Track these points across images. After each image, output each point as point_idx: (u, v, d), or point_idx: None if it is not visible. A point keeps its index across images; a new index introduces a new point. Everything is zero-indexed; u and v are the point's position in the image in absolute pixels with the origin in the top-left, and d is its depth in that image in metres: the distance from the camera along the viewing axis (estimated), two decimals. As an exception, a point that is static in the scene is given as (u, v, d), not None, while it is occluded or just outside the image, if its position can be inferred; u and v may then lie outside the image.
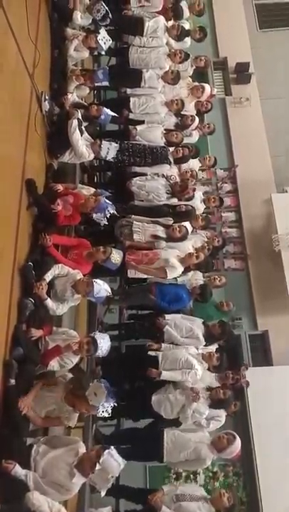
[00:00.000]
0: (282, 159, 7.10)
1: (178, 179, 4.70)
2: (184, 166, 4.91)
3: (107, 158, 4.24)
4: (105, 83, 4.61)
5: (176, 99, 4.90)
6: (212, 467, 5.59)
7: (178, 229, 4.16)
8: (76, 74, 4.39)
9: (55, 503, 2.65)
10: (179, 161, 4.81)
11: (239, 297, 6.13)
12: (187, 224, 4.37)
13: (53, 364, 3.28)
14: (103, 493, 3.05)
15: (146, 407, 3.99)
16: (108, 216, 3.73)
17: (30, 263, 3.38)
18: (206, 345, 4.28)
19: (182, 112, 5.03)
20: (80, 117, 4.00)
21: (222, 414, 4.10)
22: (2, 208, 3.08)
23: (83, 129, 4.04)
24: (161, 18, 4.89)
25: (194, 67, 5.34)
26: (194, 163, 5.17)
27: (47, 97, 4.00)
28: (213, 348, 4.35)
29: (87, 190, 4.02)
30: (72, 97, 4.39)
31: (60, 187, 3.82)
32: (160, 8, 4.95)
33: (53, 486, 2.77)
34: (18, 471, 2.68)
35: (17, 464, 2.69)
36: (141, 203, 4.54)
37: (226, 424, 4.25)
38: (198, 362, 4.05)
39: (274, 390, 5.79)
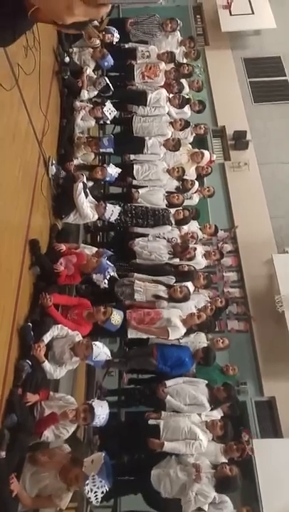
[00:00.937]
0: (282, 220, 7.25)
1: (179, 240, 4.78)
2: (185, 228, 5.02)
3: (111, 220, 4.35)
4: (110, 150, 4.87)
5: (177, 167, 5.12)
6: None
7: (179, 289, 4.14)
8: (83, 141, 4.65)
9: None
10: (180, 223, 4.93)
11: (243, 360, 5.91)
12: (189, 284, 4.36)
13: (48, 435, 3.09)
14: None
15: (145, 479, 3.68)
16: (108, 278, 3.72)
17: (29, 323, 3.32)
18: (210, 410, 4.06)
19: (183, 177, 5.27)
20: (85, 180, 4.16)
21: (227, 500, 3.76)
22: (4, 267, 3.09)
23: (88, 191, 4.19)
24: (164, 90, 5.28)
25: (194, 134, 5.67)
26: (195, 227, 5.28)
27: (54, 162, 4.21)
28: (217, 415, 4.12)
29: (90, 250, 4.06)
30: (77, 161, 4.61)
31: (63, 247, 3.87)
32: (162, 84, 5.37)
33: None
34: None
35: None
36: (143, 262, 4.57)
37: (234, 502, 3.87)
38: (202, 431, 3.81)
39: (285, 464, 5.32)
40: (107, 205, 4.26)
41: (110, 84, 4.85)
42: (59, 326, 3.42)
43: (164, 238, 4.67)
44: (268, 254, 6.67)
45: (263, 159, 7.88)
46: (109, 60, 4.90)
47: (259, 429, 5.97)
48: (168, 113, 5.34)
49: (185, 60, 5.80)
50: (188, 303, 4.27)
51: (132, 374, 4.83)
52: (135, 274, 4.32)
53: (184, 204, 5.12)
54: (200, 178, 5.66)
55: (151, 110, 5.23)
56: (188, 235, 4.90)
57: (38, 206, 3.79)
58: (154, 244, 4.59)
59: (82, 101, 4.78)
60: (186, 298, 4.16)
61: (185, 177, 5.23)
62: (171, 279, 4.31)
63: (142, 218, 4.71)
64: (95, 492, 2.87)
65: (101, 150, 4.85)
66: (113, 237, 5.13)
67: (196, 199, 5.61)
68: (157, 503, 3.74)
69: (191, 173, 5.45)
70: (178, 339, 4.16)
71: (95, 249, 4.12)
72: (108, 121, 5.01)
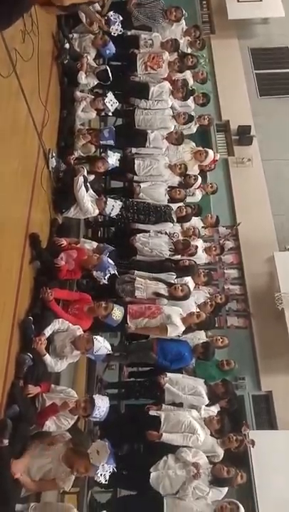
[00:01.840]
0: (284, 218, 7.23)
1: (180, 236, 4.78)
2: (186, 224, 5.00)
3: (111, 215, 4.35)
4: (110, 142, 4.77)
5: (180, 164, 5.04)
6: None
7: (180, 288, 4.15)
8: (82, 133, 4.61)
9: None
10: (181, 220, 4.90)
11: (242, 356, 5.96)
12: (190, 281, 4.38)
13: (49, 424, 3.16)
14: None
15: (144, 479, 3.77)
16: (108, 276, 3.73)
17: (30, 317, 3.36)
18: (208, 405, 4.12)
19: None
20: (86, 174, 4.15)
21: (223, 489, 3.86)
22: (5, 261, 3.11)
23: (89, 185, 4.19)
24: (166, 83, 5.15)
25: (198, 125, 5.56)
26: (197, 222, 5.27)
27: (54, 154, 4.16)
28: (214, 410, 4.18)
29: (90, 245, 4.08)
30: (77, 153, 4.58)
31: (63, 242, 3.89)
32: (165, 76, 5.24)
33: None
34: None
35: None
36: (143, 258, 4.58)
37: (228, 491, 3.97)
38: (200, 427, 3.89)
39: (280, 455, 5.43)
40: (108, 199, 4.24)
41: (110, 73, 4.68)
42: (60, 320, 3.46)
43: (166, 234, 4.67)
44: (270, 251, 6.67)
45: (267, 155, 7.83)
46: (111, 48, 4.72)
47: (255, 421, 6.07)
48: (171, 106, 5.26)
49: (189, 50, 5.64)
50: (188, 300, 4.29)
51: (132, 368, 4.88)
52: (136, 271, 4.32)
53: (187, 201, 5.10)
54: (203, 173, 5.60)
55: (154, 104, 5.14)
56: (190, 231, 4.89)
57: (38, 200, 3.78)
58: (155, 241, 4.59)
59: (82, 91, 4.66)
60: (186, 296, 4.17)
61: (188, 173, 5.19)
62: (171, 276, 4.33)
63: (144, 214, 4.70)
64: (104, 475, 2.99)
65: (101, 142, 4.75)
66: (114, 232, 5.11)
67: (198, 196, 5.56)
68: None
69: (193, 170, 5.37)
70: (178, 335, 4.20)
71: (95, 244, 4.12)
72: (110, 113, 4.91)
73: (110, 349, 3.50)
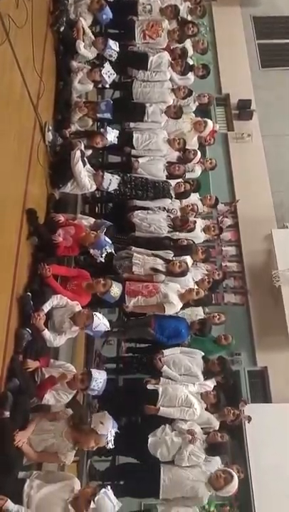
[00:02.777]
0: (283, 195, 7.19)
1: (179, 213, 4.73)
2: (185, 200, 4.96)
3: (109, 190, 4.29)
4: (107, 115, 4.64)
5: (178, 138, 4.96)
6: (209, 507, 5.38)
7: (178, 264, 4.15)
8: (79, 105, 4.49)
9: None
10: (180, 196, 4.85)
11: (239, 332, 6.05)
12: (188, 258, 4.37)
13: (48, 398, 3.22)
14: None
15: (142, 445, 3.88)
16: (105, 255, 3.72)
17: (28, 293, 3.37)
18: (204, 380, 4.20)
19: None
20: (83, 148, 4.07)
21: (218, 459, 3.99)
22: (2, 237, 3.08)
23: (86, 160, 4.11)
24: (166, 54, 5.01)
25: (197, 103, 5.46)
26: (195, 199, 5.21)
27: (50, 128, 4.07)
28: (210, 385, 4.26)
29: (87, 221, 4.04)
30: (74, 127, 4.47)
31: (61, 218, 3.85)
32: (164, 46, 5.09)
33: None
34: (10, 506, 2.59)
35: (9, 500, 2.60)
36: (142, 235, 4.56)
37: (223, 462, 4.11)
38: (197, 401, 3.98)
39: (273, 427, 5.64)
40: (105, 174, 4.17)
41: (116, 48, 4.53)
42: (58, 295, 3.47)
43: (164, 209, 4.63)
44: (268, 229, 6.67)
45: (267, 131, 7.70)
46: (108, 13, 4.57)
47: (250, 395, 6.24)
48: (170, 79, 5.12)
49: (190, 17, 5.45)
50: (186, 276, 4.30)
51: (130, 343, 4.94)
52: (133, 247, 4.31)
53: (186, 177, 5.03)
54: (202, 147, 5.51)
55: (152, 75, 4.99)
56: (189, 207, 4.86)
57: (34, 174, 3.72)
58: (153, 217, 4.55)
59: (79, 61, 4.53)
60: (184, 273, 4.18)
61: (187, 147, 5.10)
62: (169, 254, 4.32)
63: (142, 190, 4.63)
64: (112, 439, 3.10)
65: (98, 115, 4.63)
66: (111, 208, 5.06)
67: (197, 171, 5.49)
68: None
69: (193, 144, 5.29)
70: (175, 311, 4.24)
71: (92, 220, 4.09)
72: (107, 85, 4.77)
73: (109, 326, 3.52)
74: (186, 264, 4.22)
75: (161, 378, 4.09)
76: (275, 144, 7.58)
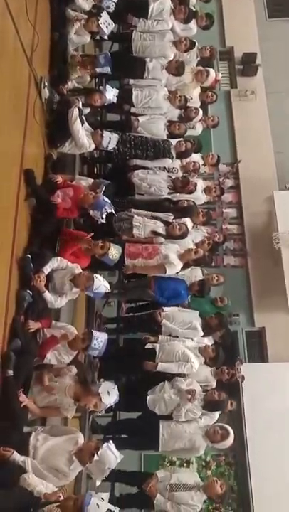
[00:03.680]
0: (286, 156, 7.02)
1: (180, 172, 4.63)
2: (187, 160, 4.83)
3: (108, 148, 4.17)
4: (107, 69, 4.42)
5: (179, 95, 4.78)
6: (205, 456, 5.71)
7: (178, 227, 4.13)
8: (77, 60, 4.27)
9: (49, 485, 2.71)
10: (181, 155, 4.73)
11: (237, 294, 6.14)
12: (188, 220, 4.34)
13: (50, 357, 3.29)
14: (98, 483, 3.11)
15: (142, 402, 4.01)
16: (105, 215, 3.67)
17: (28, 255, 3.36)
18: (203, 336, 4.29)
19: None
20: (81, 106, 3.91)
21: (216, 415, 4.14)
22: (0, 198, 3.03)
23: (84, 118, 3.97)
24: (167, 0, 4.72)
25: (199, 57, 5.21)
26: (197, 158, 5.09)
27: (46, 84, 3.90)
28: (208, 342, 4.36)
29: (86, 182, 3.96)
30: (72, 83, 4.28)
31: (59, 178, 3.77)
32: None
33: (51, 471, 2.85)
34: (16, 457, 2.73)
35: (15, 451, 2.73)
36: (141, 197, 4.49)
37: (219, 417, 4.27)
38: (194, 355, 4.07)
39: (268, 385, 5.85)
40: (104, 132, 4.05)
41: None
42: (58, 258, 3.47)
43: (165, 169, 4.52)
44: (269, 190, 6.58)
45: (272, 88, 7.40)
46: None
47: (248, 355, 6.42)
48: (171, 29, 4.83)
49: None
50: (186, 238, 4.28)
51: (130, 304, 5.00)
52: (133, 210, 4.25)
53: (187, 134, 4.89)
54: (204, 105, 5.33)
55: (153, 24, 4.72)
56: (191, 165, 4.74)
57: (31, 133, 3.60)
58: (153, 177, 4.46)
59: (75, 10, 4.25)
60: (184, 235, 4.16)
61: (188, 104, 4.91)
62: (169, 217, 4.28)
63: (141, 149, 4.50)
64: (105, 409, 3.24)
65: (97, 70, 4.42)
66: (110, 169, 4.94)
67: (199, 129, 5.33)
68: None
69: (194, 99, 5.11)
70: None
71: (91, 180, 4.01)
72: (105, 36, 4.52)
73: (109, 288, 3.55)
74: (186, 226, 4.19)
75: (160, 336, 4.15)
76: (280, 102, 7.32)
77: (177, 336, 4.21)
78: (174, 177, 4.53)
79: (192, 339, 4.21)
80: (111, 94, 4.20)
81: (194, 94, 5.11)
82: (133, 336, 4.80)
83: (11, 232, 3.20)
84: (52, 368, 3.32)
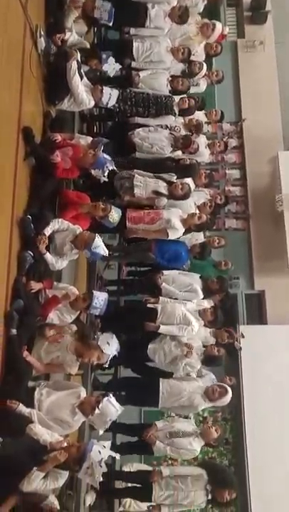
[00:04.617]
0: (294, 113, 6.77)
1: (183, 130, 4.48)
2: (189, 118, 4.66)
3: (109, 106, 4.01)
4: (105, 16, 4.10)
5: (183, 48, 4.52)
6: (202, 412, 5.94)
7: (180, 186, 4.04)
8: (75, 4, 3.97)
9: (54, 434, 2.85)
10: (184, 113, 4.55)
11: (238, 257, 6.14)
12: (190, 181, 4.24)
13: (52, 317, 3.35)
14: (101, 432, 3.29)
15: (143, 357, 4.12)
16: (107, 173, 3.59)
17: (28, 216, 3.33)
18: (203, 299, 4.33)
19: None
20: (79, 59, 3.71)
21: (210, 372, 4.26)
22: (-2, 158, 2.95)
23: (83, 72, 3.78)
24: None
25: (206, 2, 4.87)
26: (200, 116, 4.91)
27: (42, 33, 3.66)
28: (208, 304, 4.41)
29: (85, 140, 3.84)
30: (72, 36, 4.04)
31: (58, 137, 3.64)
32: None
33: (56, 422, 2.99)
34: (23, 409, 2.86)
35: (21, 404, 2.86)
36: (143, 156, 4.37)
37: (218, 375, 4.42)
38: (195, 318, 4.13)
39: (266, 347, 6.01)
40: (104, 88, 3.87)
41: None
42: (59, 219, 3.44)
43: (167, 127, 4.37)
44: (274, 151, 6.41)
45: (282, 37, 6.98)
46: None
47: (247, 317, 6.53)
48: None
49: None
50: (187, 201, 4.22)
51: (130, 267, 5.02)
52: (135, 169, 4.15)
53: (190, 92, 4.68)
54: (208, 57, 5.05)
55: None
56: (194, 121, 4.58)
57: (28, 88, 3.43)
58: (155, 136, 4.31)
59: None
60: (186, 195, 4.09)
61: (192, 57, 4.66)
62: (172, 176, 4.18)
63: (143, 107, 4.31)
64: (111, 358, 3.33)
65: (95, 16, 4.09)
66: (111, 127, 4.78)
67: (203, 86, 5.10)
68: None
69: (199, 52, 4.84)
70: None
71: (90, 138, 3.88)
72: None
73: (107, 252, 3.53)
74: (189, 186, 4.11)
75: (160, 297, 4.20)
76: (289, 54, 6.94)
77: (177, 299, 4.26)
78: (176, 135, 4.38)
79: (192, 301, 4.26)
80: (111, 67, 3.98)
81: (199, 49, 4.84)
82: (134, 297, 4.85)
83: (10, 194, 3.14)
84: (54, 327, 3.38)
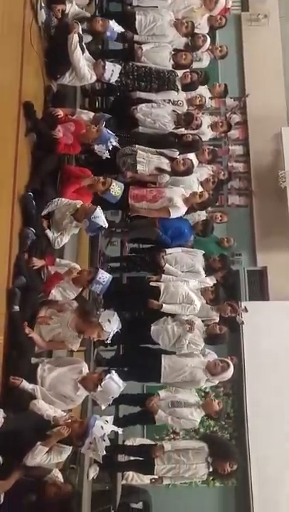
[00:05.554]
0: (298, 89, 6.64)
1: (186, 105, 4.42)
2: (192, 93, 4.60)
3: (111, 81, 3.95)
4: None
5: (186, 21, 4.43)
6: (204, 388, 6.02)
7: (182, 162, 4.01)
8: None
9: (58, 410, 2.91)
10: (187, 88, 4.47)
11: (241, 233, 6.11)
12: (193, 157, 4.21)
13: (55, 293, 3.36)
14: (104, 407, 3.35)
15: (145, 336, 4.16)
16: (110, 148, 3.55)
17: (30, 193, 3.32)
18: (205, 276, 4.34)
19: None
20: (81, 31, 3.63)
21: (212, 352, 4.29)
22: (-1, 134, 2.93)
23: (84, 46, 3.71)
24: None
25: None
26: (203, 91, 4.83)
27: (43, 5, 3.57)
28: (210, 282, 4.43)
29: (87, 115, 3.80)
30: (73, 7, 3.95)
31: (60, 112, 3.60)
32: None
33: (59, 397, 3.03)
34: (26, 385, 2.90)
35: (24, 380, 2.90)
36: (145, 130, 4.32)
37: (220, 351, 4.47)
38: (197, 298, 4.15)
39: (268, 323, 6.04)
40: (106, 63, 3.81)
41: None
42: (59, 199, 3.42)
43: (170, 102, 4.30)
44: (278, 127, 6.31)
45: (286, 11, 6.79)
46: None
47: (249, 294, 6.55)
48: None
49: None
50: (190, 177, 4.19)
51: (133, 244, 5.02)
52: (137, 145, 4.11)
53: (193, 67, 4.58)
54: (212, 30, 4.94)
55: None
56: (197, 99, 4.52)
57: (28, 62, 3.38)
58: (158, 111, 4.24)
59: None
60: (189, 171, 4.06)
61: (196, 30, 4.55)
62: (174, 152, 4.14)
63: (145, 81, 4.24)
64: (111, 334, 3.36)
65: None
66: (113, 102, 4.70)
67: (206, 61, 5.00)
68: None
69: (202, 24, 4.73)
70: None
71: (92, 114, 3.84)
72: None
73: (106, 224, 3.50)
74: (191, 161, 4.07)
75: (163, 275, 4.21)
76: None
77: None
78: (179, 112, 4.32)
79: (195, 280, 4.27)
80: (115, 27, 3.89)
81: (202, 22, 4.73)
82: (136, 274, 4.88)
83: (11, 170, 3.13)
84: (56, 303, 3.41)
